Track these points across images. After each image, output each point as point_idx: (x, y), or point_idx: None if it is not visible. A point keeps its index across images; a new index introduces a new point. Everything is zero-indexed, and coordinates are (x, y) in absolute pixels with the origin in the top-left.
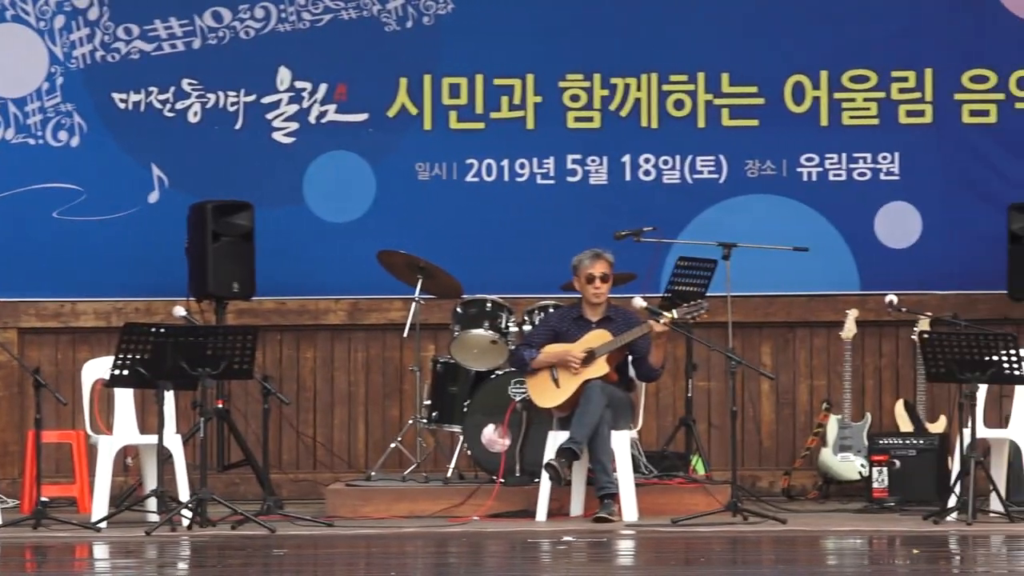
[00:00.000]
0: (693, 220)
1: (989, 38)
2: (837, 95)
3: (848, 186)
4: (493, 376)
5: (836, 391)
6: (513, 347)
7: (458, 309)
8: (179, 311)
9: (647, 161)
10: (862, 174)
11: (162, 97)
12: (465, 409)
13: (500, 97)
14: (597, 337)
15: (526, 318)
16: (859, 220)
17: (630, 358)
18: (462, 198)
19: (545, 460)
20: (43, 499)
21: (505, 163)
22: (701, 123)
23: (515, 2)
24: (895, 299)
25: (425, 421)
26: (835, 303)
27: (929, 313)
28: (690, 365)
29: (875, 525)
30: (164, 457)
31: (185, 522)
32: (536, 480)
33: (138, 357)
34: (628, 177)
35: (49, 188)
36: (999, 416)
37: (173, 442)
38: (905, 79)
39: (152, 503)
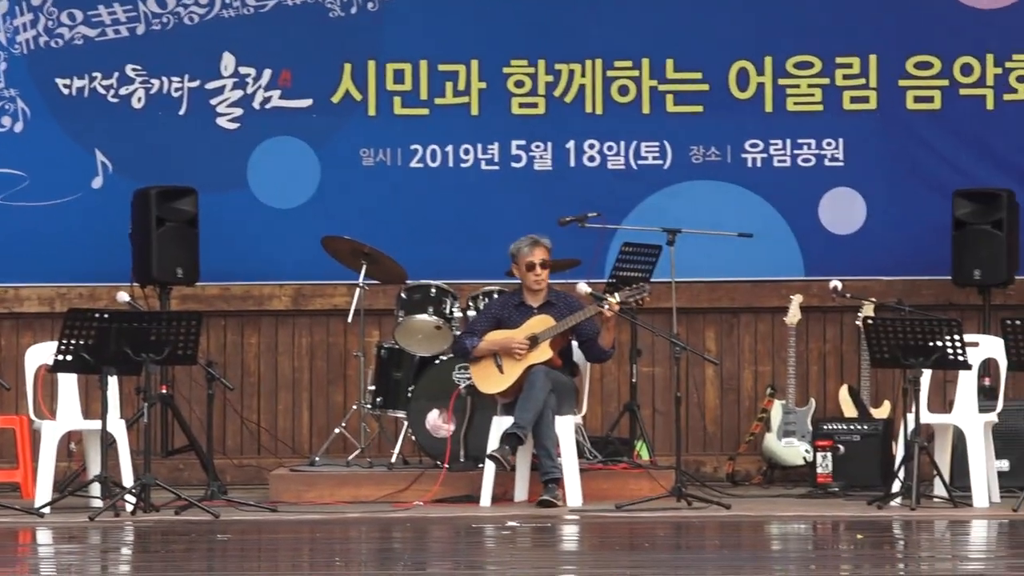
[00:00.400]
0: (637, 206)
1: (933, 24)
2: (781, 81)
3: (792, 172)
4: (437, 361)
5: (780, 376)
6: (456, 334)
7: (402, 295)
8: (123, 297)
9: (591, 147)
10: (806, 160)
11: (106, 83)
12: (409, 394)
13: (444, 83)
14: (539, 323)
15: (470, 304)
16: (803, 206)
17: (575, 342)
18: (406, 184)
19: (488, 450)
20: None
21: (449, 149)
22: (646, 109)
23: None
24: (839, 285)
25: (369, 407)
26: (779, 289)
27: (873, 299)
28: (635, 351)
29: (819, 510)
30: (108, 443)
31: (129, 507)
32: (480, 465)
33: (82, 343)
34: (572, 163)
35: None
36: (943, 401)
37: (117, 427)
38: (849, 65)
39: (96, 488)
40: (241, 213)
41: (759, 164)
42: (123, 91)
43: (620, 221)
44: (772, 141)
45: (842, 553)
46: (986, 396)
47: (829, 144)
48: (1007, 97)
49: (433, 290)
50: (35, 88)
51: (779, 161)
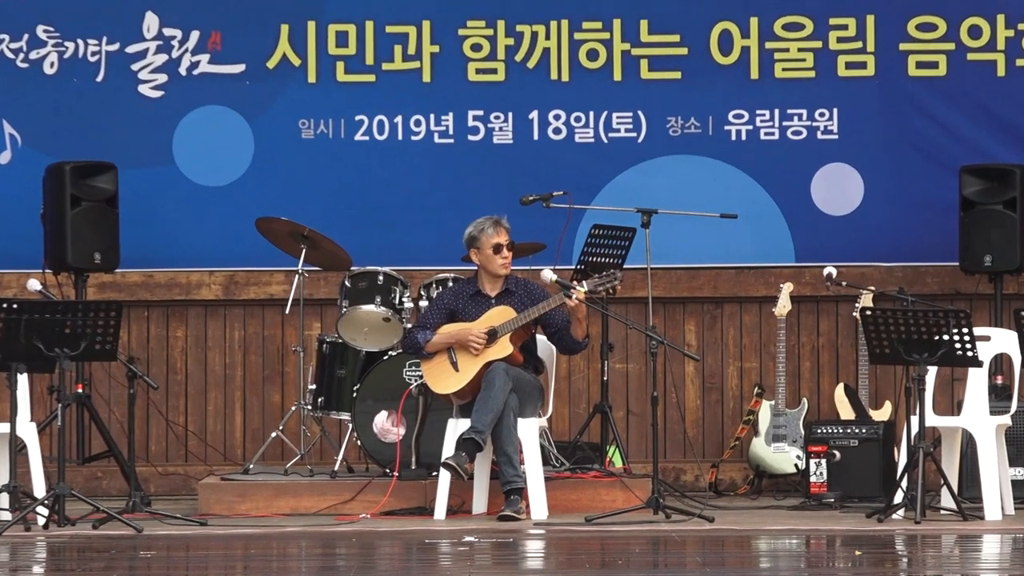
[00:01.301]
0: (608, 184)
1: None
2: (769, 45)
3: (781, 146)
4: (386, 357)
5: (769, 374)
6: (407, 328)
7: (346, 283)
8: (34, 285)
9: (557, 118)
10: (797, 133)
11: (14, 46)
12: (355, 394)
13: (393, 46)
14: (499, 314)
15: (423, 293)
16: (794, 184)
17: (544, 333)
18: (351, 159)
19: (444, 457)
20: None
21: (399, 120)
22: (617, 76)
23: None
24: (834, 272)
25: (310, 408)
26: (767, 276)
27: (872, 287)
28: (606, 345)
29: (813, 523)
30: (17, 448)
31: (41, 520)
32: (434, 474)
33: None
34: (536, 136)
35: None
36: (951, 402)
37: (27, 431)
38: (844, 27)
39: (3, 500)
40: (166, 191)
41: (744, 137)
42: (33, 55)
43: (589, 201)
44: (758, 112)
45: (839, 572)
46: (998, 396)
47: (822, 115)
48: (1020, 62)
49: (381, 277)
50: None
51: (766, 134)
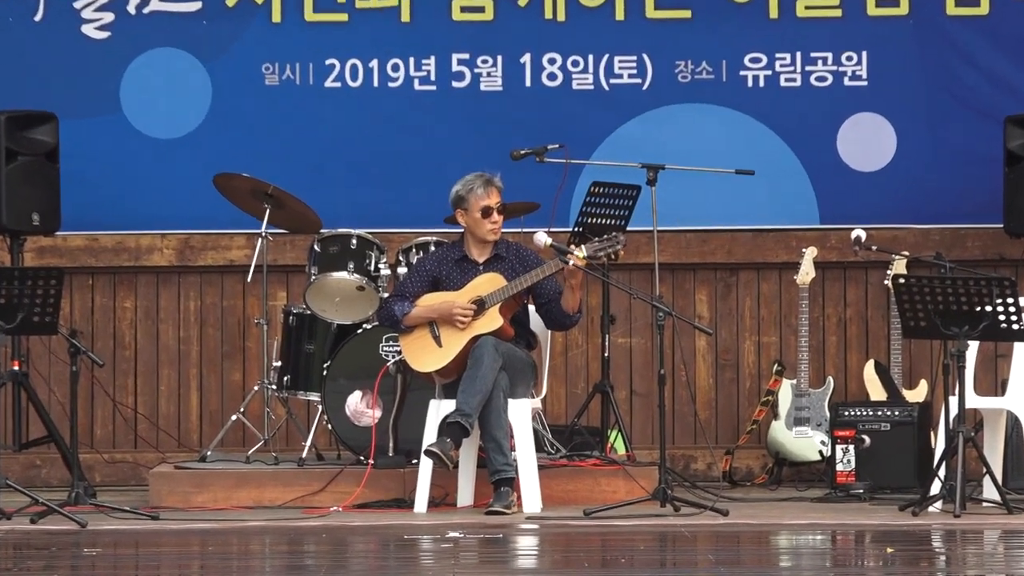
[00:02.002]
0: (610, 136)
1: None
2: None
3: (804, 94)
4: (360, 331)
5: (790, 350)
6: (383, 298)
7: (315, 247)
8: None
9: (552, 62)
10: (821, 79)
11: None
12: (325, 372)
13: None
14: (487, 282)
15: (401, 259)
16: (818, 137)
17: (532, 305)
18: (321, 108)
19: (425, 444)
20: None
21: (374, 64)
22: (620, 15)
23: None
24: (863, 235)
25: (274, 387)
26: (788, 240)
27: (906, 252)
28: (607, 317)
29: (839, 517)
30: None
31: None
32: (414, 462)
33: None
34: (528, 82)
35: None
36: (994, 381)
37: None
38: None
39: None
40: (113, 145)
41: (762, 84)
42: None
43: (589, 155)
44: (778, 55)
45: (868, 571)
46: None
47: (849, 59)
48: None
49: (354, 241)
50: None
51: (787, 80)
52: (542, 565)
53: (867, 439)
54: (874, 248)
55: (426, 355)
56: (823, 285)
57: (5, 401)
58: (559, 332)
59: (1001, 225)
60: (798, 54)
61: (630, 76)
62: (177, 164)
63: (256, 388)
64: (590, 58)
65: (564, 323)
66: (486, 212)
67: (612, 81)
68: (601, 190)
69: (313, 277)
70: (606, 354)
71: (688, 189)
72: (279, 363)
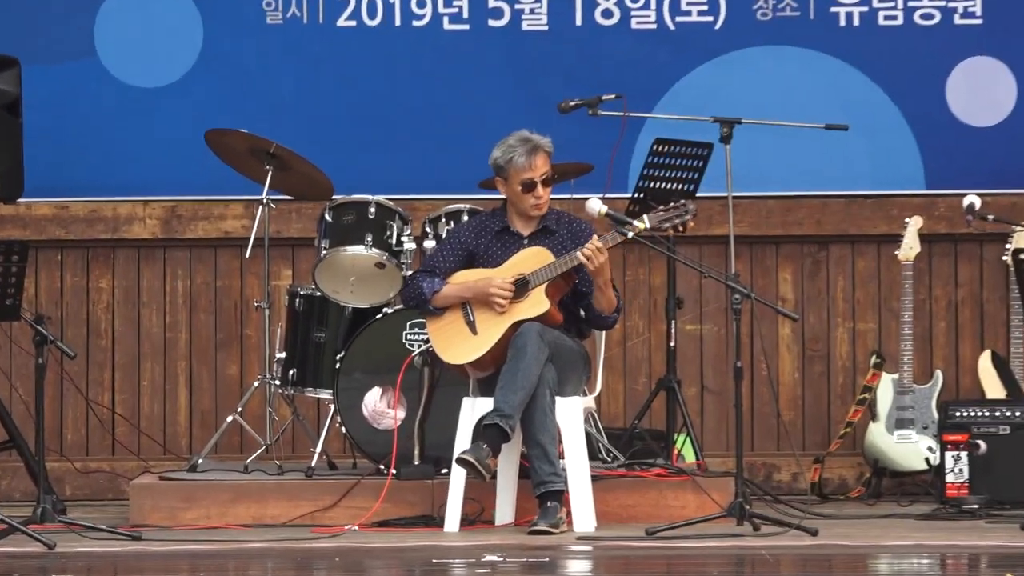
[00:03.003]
0: (676, 84)
1: None
2: None
3: (907, 35)
4: (379, 316)
5: (891, 338)
6: (407, 276)
7: (327, 216)
8: None
9: None
10: (927, 16)
11: None
12: (338, 365)
13: None
14: (532, 258)
15: (429, 230)
16: (923, 86)
17: (575, 295)
18: (332, 51)
19: (457, 451)
20: None
21: (396, 0)
22: None
23: None
24: (977, 202)
25: (278, 383)
26: (888, 208)
27: None
28: (673, 300)
29: (950, 538)
30: None
31: None
32: (444, 472)
33: None
34: (579, 20)
35: None
36: None
37: None
38: None
39: None
40: (86, 95)
41: (857, 22)
42: None
43: (651, 107)
44: None
45: None
46: None
47: None
48: None
49: (373, 209)
50: None
51: (887, 18)
52: None
53: (983, 445)
54: (990, 218)
55: (458, 344)
56: (930, 262)
57: None
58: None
59: None
60: None
61: (700, 13)
62: (162, 118)
63: (256, 384)
64: None
65: (601, 324)
66: (528, 186)
67: (679, 19)
68: (666, 149)
69: (324, 252)
70: (672, 343)
71: (769, 147)
72: (283, 354)
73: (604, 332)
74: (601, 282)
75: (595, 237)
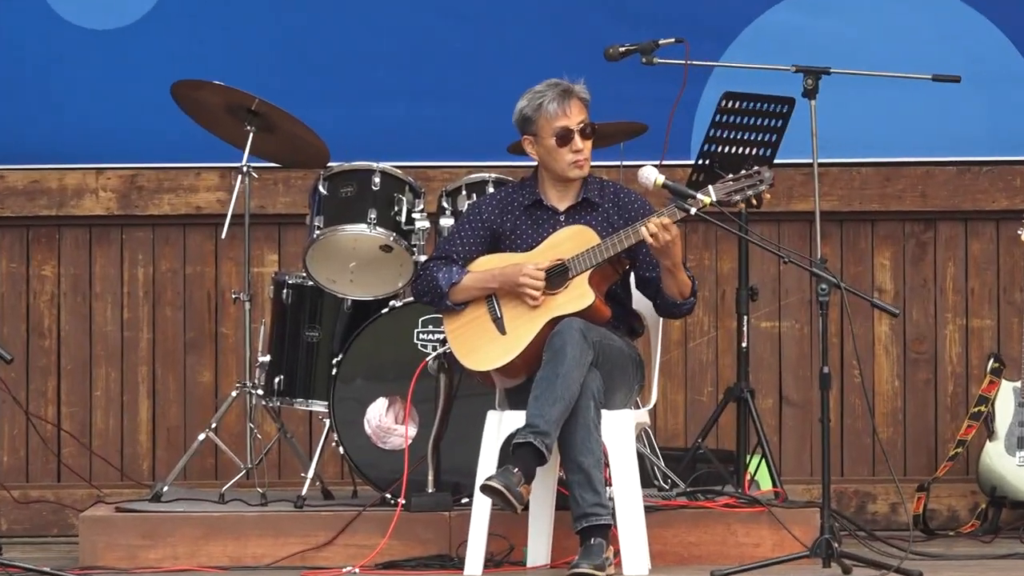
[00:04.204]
0: (750, 26)
1: None
2: None
3: None
4: (386, 311)
5: (1012, 339)
6: (420, 262)
7: (321, 188)
8: None
9: None
10: None
11: None
12: (335, 371)
13: None
14: (572, 238)
15: (446, 205)
16: None
17: (636, 279)
18: None
19: (481, 476)
20: None
21: None
22: None
23: None
24: None
25: (261, 393)
26: (1010, 178)
27: None
28: (745, 291)
29: None
30: None
31: None
32: (464, 501)
33: None
34: None
35: None
36: None
37: None
38: None
39: None
40: (27, 39)
41: None
42: None
43: (719, 54)
44: None
45: None
46: None
47: None
48: None
49: (377, 179)
50: None
51: None
52: None
53: None
54: None
55: (483, 346)
56: None
57: None
58: (669, 318)
59: None
60: None
61: None
62: (118, 67)
63: (235, 394)
64: None
65: (673, 312)
66: (564, 137)
67: None
68: (737, 105)
69: (318, 232)
70: (744, 344)
71: (864, 104)
72: (268, 357)
73: (661, 330)
74: (670, 264)
75: (662, 211)
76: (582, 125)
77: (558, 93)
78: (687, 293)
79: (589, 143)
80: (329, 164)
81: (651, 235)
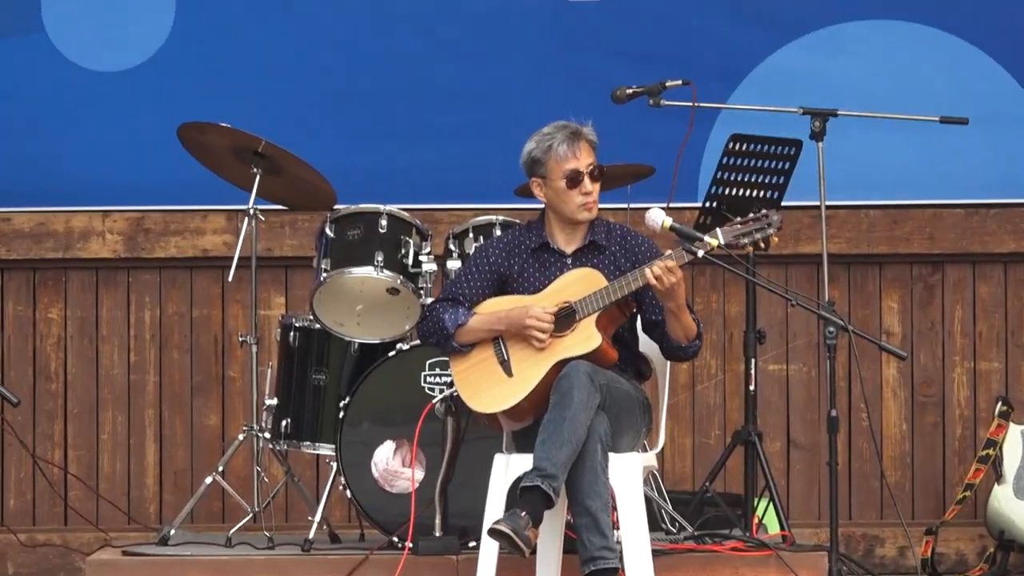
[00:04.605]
0: (757, 67)
1: None
2: None
3: None
4: (392, 353)
5: (1020, 382)
6: (427, 304)
7: (328, 231)
8: None
9: None
10: None
11: None
12: (342, 414)
13: None
14: (580, 281)
15: (453, 248)
16: None
17: (642, 322)
18: (335, 27)
19: (489, 520)
20: None
21: None
22: None
23: None
24: None
25: (268, 436)
26: (1017, 220)
27: None
28: (753, 334)
29: None
30: None
31: None
32: (472, 545)
33: None
34: None
35: None
36: None
37: None
38: None
39: None
40: (31, 80)
41: None
42: None
43: (726, 97)
44: None
45: None
46: None
47: None
48: None
49: (384, 222)
50: None
51: None
52: None
53: None
54: None
55: (490, 388)
56: None
57: None
58: (675, 362)
59: None
60: None
61: None
62: (125, 110)
63: (241, 437)
64: None
65: (679, 355)
66: (573, 179)
67: None
68: (744, 147)
69: (324, 275)
70: (752, 388)
71: (871, 146)
72: (275, 400)
73: (668, 372)
74: (674, 307)
75: (668, 254)
76: (591, 167)
77: (567, 135)
78: (692, 336)
79: (598, 185)
80: (336, 206)
81: (655, 278)
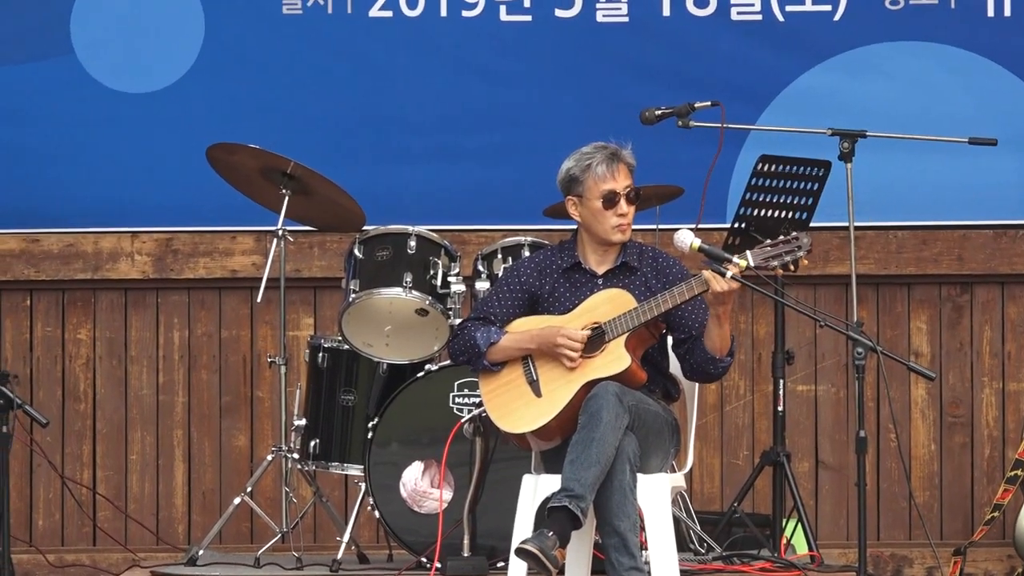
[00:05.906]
0: (786, 90)
1: None
2: None
3: None
4: (421, 374)
5: None
6: (456, 324)
7: (356, 252)
8: None
9: None
10: None
11: None
12: (370, 435)
13: None
14: (610, 302)
15: (482, 269)
16: None
17: (673, 341)
18: (364, 48)
19: (517, 540)
20: None
21: None
22: None
23: None
24: None
25: (296, 457)
26: None
27: None
28: (782, 355)
29: None
30: None
31: None
32: (500, 565)
33: None
34: (667, 10)
35: None
36: None
37: None
38: None
39: None
40: (60, 102)
41: (1008, 13)
42: None
43: (755, 118)
44: None
45: None
46: None
47: None
48: None
49: (412, 243)
50: None
51: None
52: None
53: None
54: None
55: (518, 408)
56: None
57: None
58: (703, 383)
59: None
60: None
61: (816, 2)
62: (154, 131)
63: (270, 458)
64: None
65: (708, 370)
66: (610, 200)
67: (789, 8)
68: (773, 168)
69: (353, 295)
70: (780, 408)
71: (900, 167)
72: (303, 421)
73: (697, 394)
74: (722, 311)
75: (715, 275)
76: (628, 190)
77: (607, 156)
78: (726, 350)
79: (633, 208)
80: (365, 227)
81: (727, 286)
